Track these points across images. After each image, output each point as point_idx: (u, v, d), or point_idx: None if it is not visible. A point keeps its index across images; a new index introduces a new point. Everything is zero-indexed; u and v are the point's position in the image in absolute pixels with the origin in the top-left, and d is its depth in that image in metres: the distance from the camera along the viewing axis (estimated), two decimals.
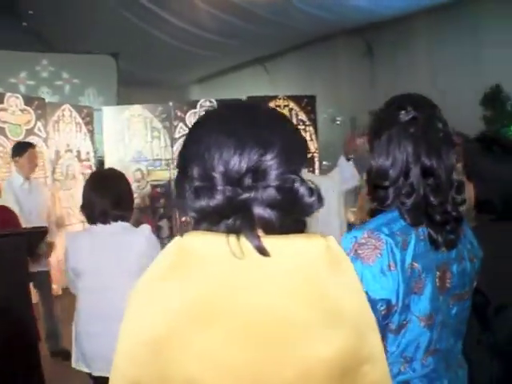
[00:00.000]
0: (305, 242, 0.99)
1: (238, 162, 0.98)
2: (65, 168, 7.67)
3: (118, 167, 7.47)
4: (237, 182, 0.97)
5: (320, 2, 10.13)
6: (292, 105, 8.01)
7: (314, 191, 1.00)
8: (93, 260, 2.62)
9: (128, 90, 12.57)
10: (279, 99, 8.00)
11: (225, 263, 0.96)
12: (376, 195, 1.51)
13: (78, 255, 2.68)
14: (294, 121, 7.98)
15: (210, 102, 7.93)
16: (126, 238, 2.64)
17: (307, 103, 8.04)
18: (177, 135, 7.85)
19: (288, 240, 0.98)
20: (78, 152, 7.99)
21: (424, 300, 1.43)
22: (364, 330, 1.00)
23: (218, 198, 0.97)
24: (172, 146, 7.88)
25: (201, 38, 11.38)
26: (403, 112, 1.50)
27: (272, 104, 7.94)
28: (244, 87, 13.39)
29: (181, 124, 7.82)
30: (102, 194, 2.65)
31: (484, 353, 1.94)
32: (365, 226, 1.44)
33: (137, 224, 2.83)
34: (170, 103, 7.90)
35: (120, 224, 2.67)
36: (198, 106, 7.88)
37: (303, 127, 8.03)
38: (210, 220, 1.00)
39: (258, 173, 0.97)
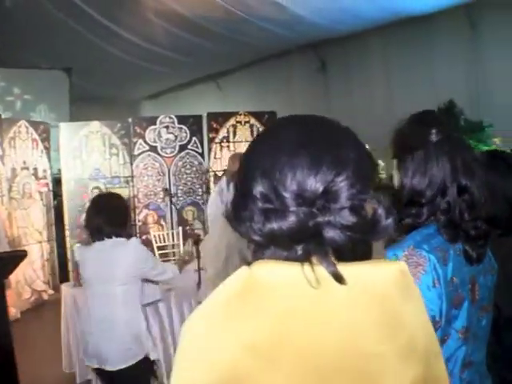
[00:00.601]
0: (379, 268, 0.93)
1: (315, 182, 0.90)
2: (21, 186, 7.42)
3: (75, 185, 7.46)
4: (311, 203, 0.89)
5: (275, 18, 10.27)
6: (253, 121, 8.05)
7: (391, 212, 0.92)
8: (93, 271, 3.11)
9: (81, 106, 12.30)
10: (240, 115, 8.02)
11: (300, 294, 0.88)
12: (410, 212, 1.52)
13: (83, 266, 3.22)
14: None
15: (170, 118, 7.86)
16: (116, 252, 3.06)
17: (268, 119, 8.10)
18: (136, 152, 7.73)
19: (362, 266, 0.91)
20: (35, 169, 7.76)
21: (462, 314, 1.46)
22: (432, 357, 0.97)
23: (291, 221, 0.88)
24: (131, 163, 7.76)
25: (154, 54, 11.28)
26: (434, 130, 1.53)
27: (233, 120, 7.97)
28: (197, 104, 13.39)
29: (140, 140, 7.71)
30: (96, 212, 3.11)
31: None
32: (403, 244, 1.45)
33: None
34: (129, 119, 7.79)
35: (113, 240, 3.09)
36: (158, 122, 7.80)
37: None
38: (278, 245, 0.91)
39: (330, 194, 0.90)
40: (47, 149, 8.09)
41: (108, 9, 9.81)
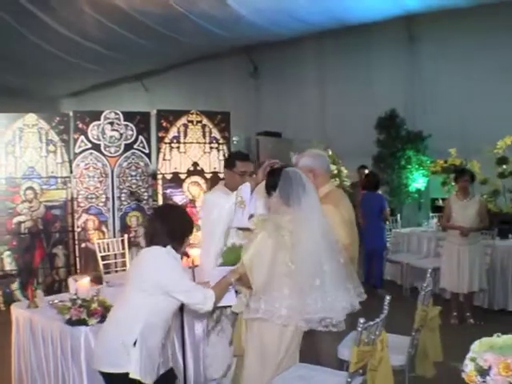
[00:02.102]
0: None
1: None
2: None
3: (6, 184, 6.48)
4: None
5: (215, 16, 9.81)
6: (205, 121, 7.49)
7: None
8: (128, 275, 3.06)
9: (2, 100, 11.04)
10: (192, 114, 7.43)
11: None
12: None
13: None
14: (207, 139, 7.49)
15: (116, 113, 7.11)
16: (141, 256, 2.92)
17: (221, 120, 7.58)
18: (77, 150, 6.90)
19: None
20: None
21: None
22: None
23: None
24: (70, 162, 6.91)
25: (85, 49, 10.36)
26: None
27: (184, 119, 7.37)
28: (122, 102, 12.56)
29: (82, 137, 6.90)
30: (161, 221, 2.95)
31: None
32: None
33: None
34: (70, 113, 6.94)
35: (151, 247, 2.88)
36: (102, 117, 7.03)
37: (216, 146, 7.54)
38: None
39: None
40: None
41: None
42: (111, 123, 7.05)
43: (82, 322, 3.32)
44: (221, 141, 7.57)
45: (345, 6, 9.73)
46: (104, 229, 7.07)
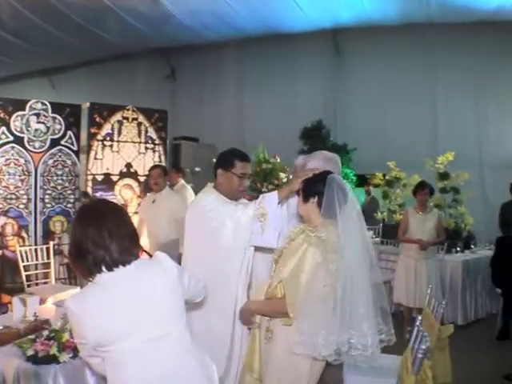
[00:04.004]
0: None
1: None
2: None
3: None
4: None
5: (144, 13, 9.21)
6: (141, 118, 6.85)
7: None
8: None
9: None
10: (127, 110, 6.76)
11: None
12: None
13: None
14: (143, 138, 6.86)
15: (43, 104, 6.30)
16: None
17: (158, 119, 6.98)
18: None
19: None
20: None
21: None
22: None
23: None
24: None
25: None
26: None
27: (119, 115, 6.69)
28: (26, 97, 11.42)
29: (3, 128, 5.99)
30: None
31: None
32: None
33: None
34: None
35: None
36: (28, 107, 6.17)
37: (152, 146, 6.93)
38: None
39: None
40: None
41: None
42: (37, 114, 6.22)
43: (51, 359, 2.57)
44: (157, 141, 6.97)
45: (280, 15, 9.59)
46: (24, 234, 6.18)
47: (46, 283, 5.99)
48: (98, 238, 1.90)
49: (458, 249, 6.94)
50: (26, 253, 5.88)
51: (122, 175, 6.70)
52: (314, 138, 9.87)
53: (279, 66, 10.98)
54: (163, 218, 4.98)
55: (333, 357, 2.43)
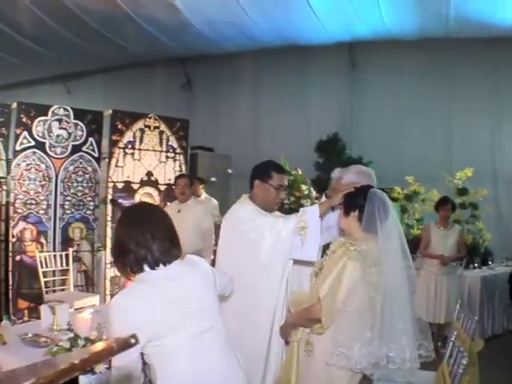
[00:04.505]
0: None
1: None
2: None
3: None
4: None
5: (163, 21, 9.25)
6: (163, 127, 6.85)
7: None
8: None
9: None
10: (149, 118, 6.76)
11: None
12: None
13: None
14: (164, 147, 6.86)
15: (65, 109, 6.31)
16: None
17: (180, 128, 6.98)
18: (18, 147, 5.98)
19: None
20: None
21: None
22: None
23: None
24: (8, 161, 5.97)
25: (12, 40, 9.23)
26: None
27: (141, 123, 6.69)
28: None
29: (25, 133, 6.00)
30: None
31: None
32: None
33: None
34: (14, 104, 6.01)
35: None
36: (50, 112, 6.18)
37: (173, 155, 6.93)
38: None
39: None
40: None
41: None
42: (59, 120, 6.23)
43: (87, 370, 2.45)
44: (178, 150, 6.97)
45: (297, 27, 9.60)
46: (43, 240, 6.16)
47: (62, 290, 5.98)
48: (141, 238, 2.04)
49: (476, 264, 6.92)
50: (45, 259, 5.88)
51: (142, 183, 6.69)
52: (330, 150, 9.83)
53: (295, 77, 10.98)
54: (188, 228, 4.95)
55: (369, 370, 2.43)
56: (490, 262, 7.11)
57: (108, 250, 6.37)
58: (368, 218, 2.56)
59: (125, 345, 1.04)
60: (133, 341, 1.05)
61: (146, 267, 2.04)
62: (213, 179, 9.83)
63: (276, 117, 11.14)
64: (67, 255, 5.99)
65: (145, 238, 2.04)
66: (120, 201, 6.45)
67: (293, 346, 2.79)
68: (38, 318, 5.86)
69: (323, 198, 3.76)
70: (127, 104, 10.84)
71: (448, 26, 8.85)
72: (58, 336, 3.01)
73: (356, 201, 2.64)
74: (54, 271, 5.99)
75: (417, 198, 7.65)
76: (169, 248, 2.10)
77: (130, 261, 2.04)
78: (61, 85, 12.45)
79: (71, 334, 2.75)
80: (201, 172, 9.88)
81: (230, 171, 10.53)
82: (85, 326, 2.85)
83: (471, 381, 3.22)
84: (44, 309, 3.48)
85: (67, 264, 5.99)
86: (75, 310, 4.49)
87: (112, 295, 6.37)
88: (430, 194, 7.33)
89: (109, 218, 6.39)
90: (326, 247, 2.98)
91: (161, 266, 2.06)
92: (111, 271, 6.39)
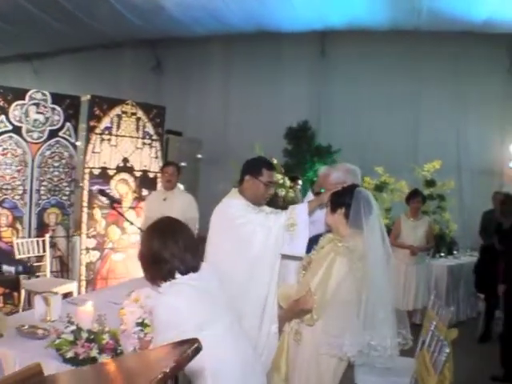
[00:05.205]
0: None
1: None
2: None
3: None
4: None
5: (136, 4, 9.12)
6: (140, 113, 6.81)
7: None
8: None
9: None
10: (127, 104, 6.70)
11: None
12: None
13: None
14: (140, 133, 6.83)
15: (43, 94, 6.20)
16: None
17: (156, 114, 6.96)
18: None
19: None
20: None
21: None
22: None
23: None
24: None
25: None
26: None
27: (118, 109, 6.63)
28: (8, 83, 11.16)
29: (2, 117, 5.88)
30: None
31: None
32: None
33: None
34: None
35: None
36: (28, 96, 6.07)
37: (149, 142, 6.91)
38: None
39: None
40: None
41: None
42: (37, 104, 6.12)
43: (91, 361, 2.55)
44: (154, 137, 6.95)
45: (270, 13, 9.63)
46: (18, 226, 6.08)
47: (37, 276, 5.95)
48: (176, 249, 2.28)
49: (443, 254, 7.21)
50: (22, 245, 5.83)
51: (118, 169, 6.64)
52: (299, 138, 9.96)
53: (266, 64, 11.01)
54: (175, 217, 4.99)
55: (356, 358, 2.62)
56: (455, 252, 7.42)
57: (83, 236, 6.34)
58: (354, 214, 2.76)
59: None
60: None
61: (177, 275, 2.27)
62: (183, 164, 9.82)
63: (246, 102, 11.16)
64: (44, 241, 5.95)
65: (179, 249, 2.27)
66: (93, 188, 6.38)
67: (283, 336, 2.98)
68: (13, 304, 5.90)
69: (310, 196, 3.91)
70: (96, 85, 10.68)
71: (420, 19, 9.05)
72: (55, 327, 3.00)
73: (343, 199, 2.84)
74: (29, 257, 5.95)
75: (386, 189, 7.87)
76: (196, 256, 2.36)
77: (163, 270, 2.26)
78: (27, 64, 12.14)
79: (74, 327, 2.78)
80: (171, 157, 9.85)
81: (199, 156, 10.55)
82: (86, 319, 2.87)
83: (449, 367, 3.44)
84: (37, 299, 3.47)
85: (44, 250, 5.95)
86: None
87: (87, 281, 6.37)
88: (398, 184, 7.56)
89: (85, 204, 6.34)
90: (312, 241, 3.13)
91: (191, 272, 2.31)
92: (86, 257, 6.37)
